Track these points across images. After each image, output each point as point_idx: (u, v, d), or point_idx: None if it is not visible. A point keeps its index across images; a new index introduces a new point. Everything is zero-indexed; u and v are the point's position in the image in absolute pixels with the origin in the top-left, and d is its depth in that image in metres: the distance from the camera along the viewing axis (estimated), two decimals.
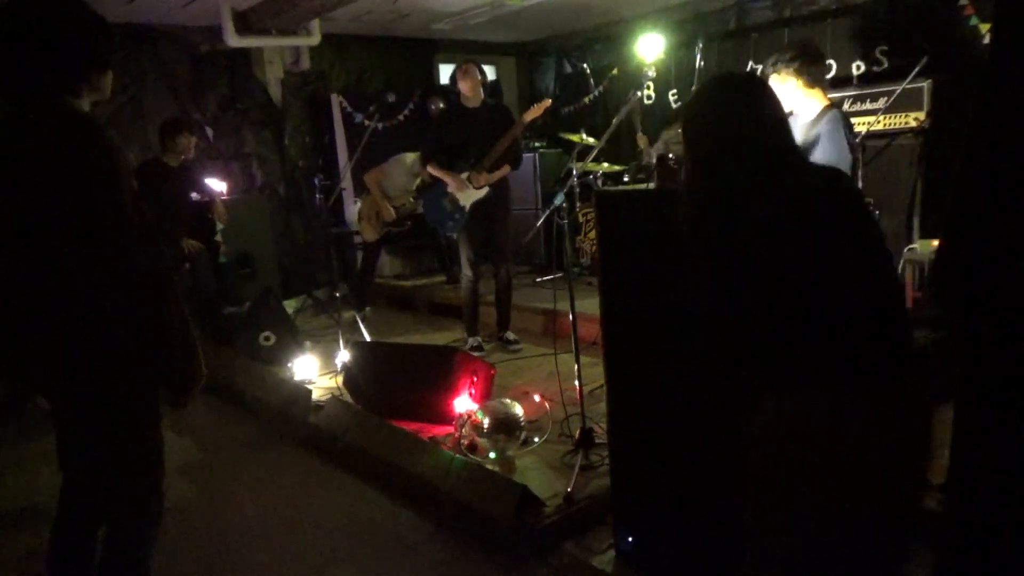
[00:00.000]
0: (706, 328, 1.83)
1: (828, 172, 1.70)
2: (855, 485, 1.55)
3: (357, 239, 6.80)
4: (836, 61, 5.57)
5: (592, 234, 6.35)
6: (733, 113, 1.65)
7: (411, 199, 6.23)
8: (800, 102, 3.03)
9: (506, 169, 4.92)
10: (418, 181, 6.17)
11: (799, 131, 2.96)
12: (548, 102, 4.89)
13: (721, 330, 1.71)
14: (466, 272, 5.02)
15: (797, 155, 1.69)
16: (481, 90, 4.92)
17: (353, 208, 7.04)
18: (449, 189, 4.96)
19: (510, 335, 5.19)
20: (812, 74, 2.99)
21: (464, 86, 4.87)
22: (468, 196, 4.90)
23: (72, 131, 1.71)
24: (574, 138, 6.09)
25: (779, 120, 1.67)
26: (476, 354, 4.68)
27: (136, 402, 1.88)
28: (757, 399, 1.66)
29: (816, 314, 1.54)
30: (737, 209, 1.59)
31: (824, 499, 1.57)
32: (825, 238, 1.54)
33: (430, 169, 5.03)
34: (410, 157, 6.16)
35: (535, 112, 4.79)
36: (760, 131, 1.63)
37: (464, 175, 4.88)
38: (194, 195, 5.66)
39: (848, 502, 1.56)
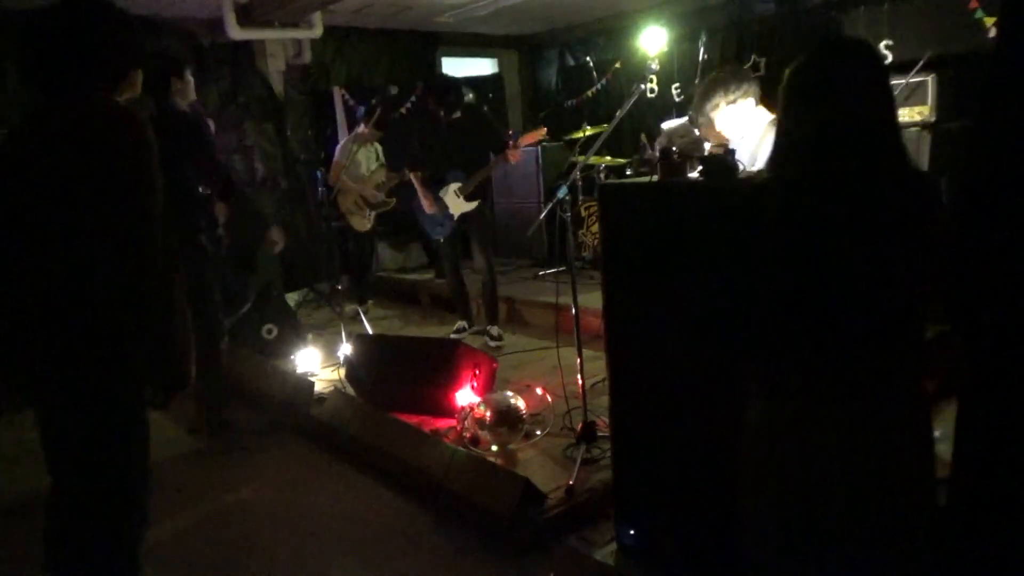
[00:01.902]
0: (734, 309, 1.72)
1: (921, 190, 1.51)
2: (832, 498, 1.51)
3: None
4: None
5: (595, 228, 6.35)
6: (841, 106, 1.50)
7: (383, 175, 6.18)
8: (753, 119, 2.90)
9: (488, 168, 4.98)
10: (375, 148, 6.21)
11: (747, 153, 2.80)
12: (544, 131, 5.02)
13: (747, 313, 1.64)
14: (447, 267, 5.29)
15: (896, 160, 1.53)
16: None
17: None
18: (424, 205, 5.07)
19: (493, 331, 5.15)
20: (757, 91, 2.88)
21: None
22: (458, 207, 5.00)
23: (117, 125, 1.75)
24: (577, 135, 6.09)
25: (886, 118, 1.54)
26: (456, 336, 4.92)
27: (125, 401, 1.87)
28: (751, 395, 1.64)
29: (836, 319, 1.49)
30: (812, 198, 1.50)
31: (799, 509, 1.55)
32: (883, 249, 1.46)
33: (412, 178, 5.14)
34: (358, 136, 6.13)
35: (530, 138, 4.95)
36: (864, 132, 1.50)
37: (455, 186, 4.96)
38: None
39: (823, 516, 1.52)
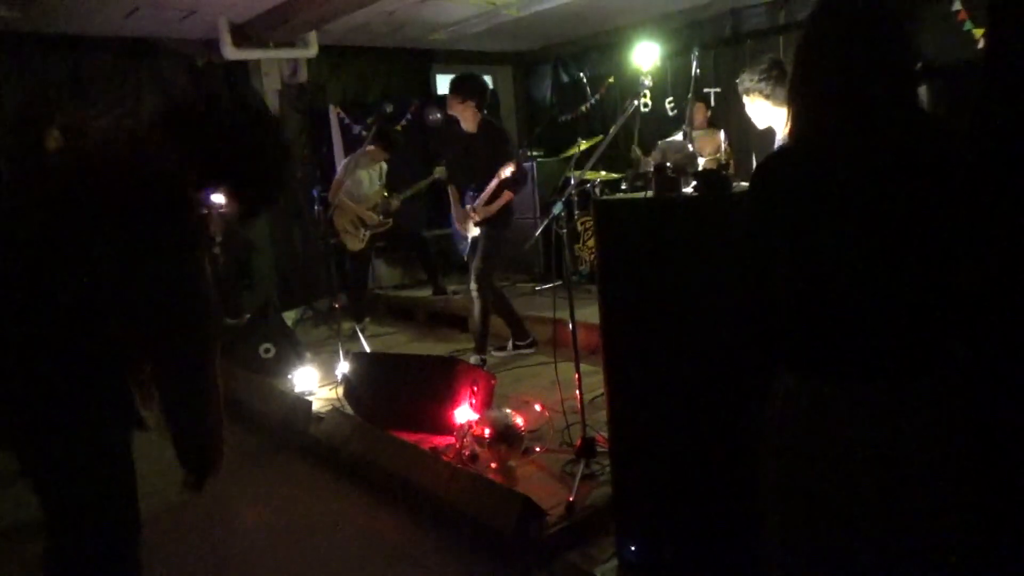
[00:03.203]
0: (745, 299, 1.67)
1: (943, 144, 1.44)
2: (868, 488, 1.46)
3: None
4: None
5: (591, 242, 6.35)
6: (846, 56, 1.44)
7: (383, 195, 6.18)
8: (776, 118, 3.11)
9: (506, 196, 4.76)
10: (379, 167, 6.21)
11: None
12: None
13: (761, 299, 1.58)
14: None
15: (910, 112, 1.47)
16: (477, 117, 4.75)
17: None
18: (455, 218, 4.97)
19: (474, 359, 4.86)
20: (779, 96, 3.00)
21: (463, 120, 4.77)
22: (469, 229, 4.91)
23: None
24: (571, 151, 6.11)
25: (897, 68, 1.45)
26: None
27: (109, 444, 1.79)
28: (772, 384, 1.59)
29: (862, 294, 1.43)
30: (821, 161, 1.47)
31: (829, 498, 1.50)
32: (905, 214, 1.40)
33: (451, 191, 5.05)
34: (363, 155, 6.13)
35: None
36: (870, 81, 1.43)
37: (469, 207, 4.87)
38: None
39: (855, 506, 1.48)
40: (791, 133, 1.55)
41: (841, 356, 1.48)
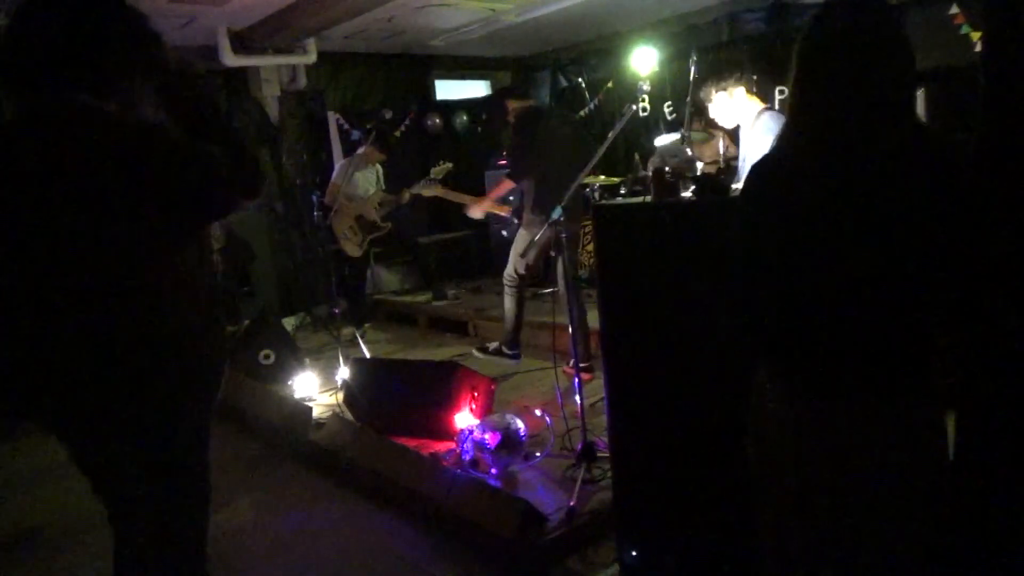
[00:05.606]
0: (738, 308, 1.63)
1: (940, 160, 1.39)
2: (851, 501, 1.46)
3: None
4: None
5: (590, 247, 6.36)
6: (852, 70, 1.39)
7: (380, 197, 6.18)
8: (740, 114, 3.36)
9: (505, 185, 4.75)
10: (375, 169, 6.25)
11: (744, 138, 3.34)
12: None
13: (753, 310, 1.56)
14: None
15: (908, 125, 1.42)
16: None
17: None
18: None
19: (493, 345, 4.97)
20: (751, 82, 3.32)
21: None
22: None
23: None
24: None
25: (900, 79, 1.41)
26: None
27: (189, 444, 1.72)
28: (762, 393, 1.59)
29: (843, 309, 1.41)
30: (814, 173, 1.42)
31: (817, 508, 1.50)
32: (899, 230, 1.35)
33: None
34: (358, 158, 6.09)
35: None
36: (876, 100, 1.38)
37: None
38: None
39: (844, 519, 1.47)
40: (789, 136, 1.52)
41: (815, 372, 1.46)
